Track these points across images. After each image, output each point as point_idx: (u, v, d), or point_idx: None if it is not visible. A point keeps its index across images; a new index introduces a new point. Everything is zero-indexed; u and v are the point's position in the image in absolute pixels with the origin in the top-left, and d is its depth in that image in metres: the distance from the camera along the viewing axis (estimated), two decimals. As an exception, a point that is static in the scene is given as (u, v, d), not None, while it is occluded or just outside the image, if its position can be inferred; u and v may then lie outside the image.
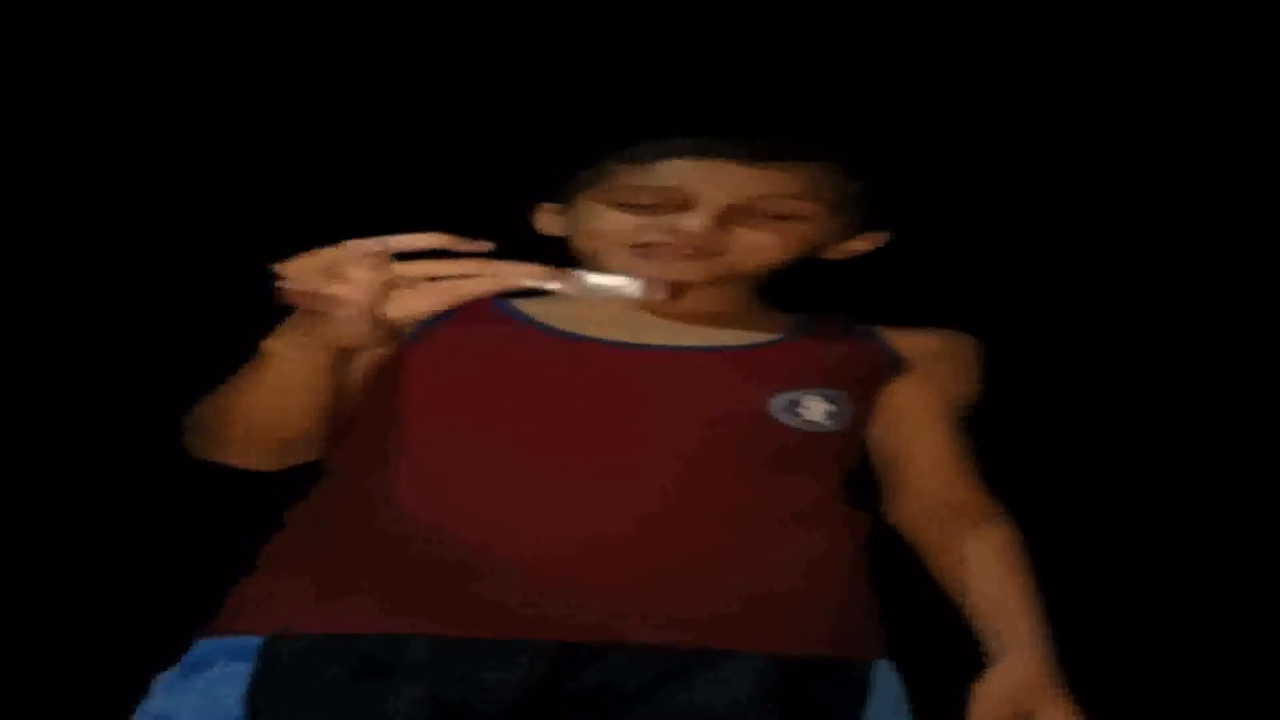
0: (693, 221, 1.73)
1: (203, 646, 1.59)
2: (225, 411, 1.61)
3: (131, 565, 2.15)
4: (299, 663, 1.54)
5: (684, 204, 1.74)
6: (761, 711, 1.56)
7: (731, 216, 1.74)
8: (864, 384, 1.79)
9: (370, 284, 1.44)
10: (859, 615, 1.68)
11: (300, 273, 1.46)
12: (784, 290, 1.85)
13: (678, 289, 1.74)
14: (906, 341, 1.85)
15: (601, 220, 1.77)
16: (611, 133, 1.82)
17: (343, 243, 1.45)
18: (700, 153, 1.75)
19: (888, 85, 2.58)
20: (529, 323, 1.75)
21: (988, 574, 1.76)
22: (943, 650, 1.74)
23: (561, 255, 1.77)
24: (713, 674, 1.57)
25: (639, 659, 1.56)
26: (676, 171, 1.75)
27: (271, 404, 1.58)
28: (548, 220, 1.85)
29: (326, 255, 1.45)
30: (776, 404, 1.70)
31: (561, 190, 1.83)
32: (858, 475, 1.78)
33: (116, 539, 1.93)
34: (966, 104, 2.61)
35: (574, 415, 1.65)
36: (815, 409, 1.72)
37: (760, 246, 1.76)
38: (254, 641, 1.56)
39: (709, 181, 1.74)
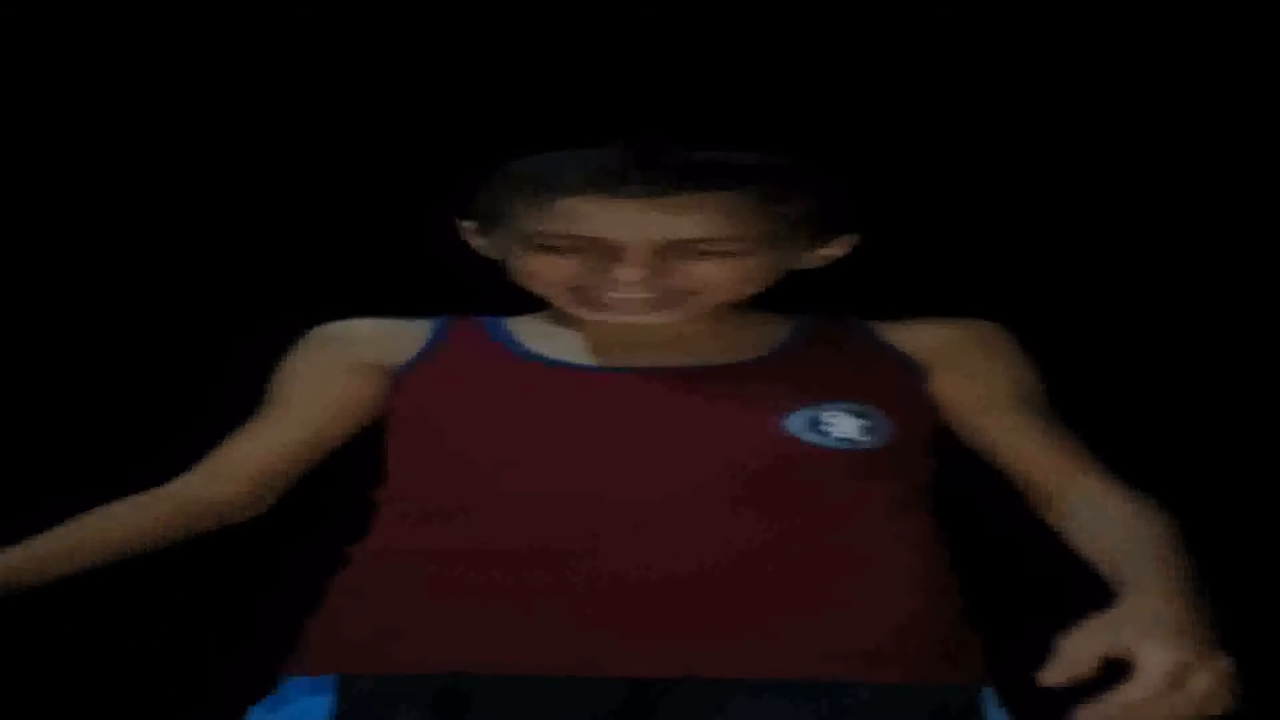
0: (630, 274, 1.64)
1: (287, 683, 1.62)
2: None
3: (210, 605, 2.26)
4: (377, 700, 1.56)
5: (606, 251, 1.64)
6: None
7: (665, 258, 1.64)
8: (893, 393, 1.69)
9: None
10: (953, 637, 1.62)
11: None
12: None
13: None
14: (916, 337, 1.74)
15: (528, 262, 1.68)
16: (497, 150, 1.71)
17: None
18: (593, 190, 1.63)
19: (815, 88, 2.49)
20: (529, 356, 1.72)
21: (1135, 538, 1.53)
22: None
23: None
24: (807, 706, 1.53)
25: (713, 694, 1.54)
26: (581, 216, 1.63)
27: None
28: (473, 239, 1.77)
29: None
30: (793, 422, 1.63)
31: (475, 210, 1.75)
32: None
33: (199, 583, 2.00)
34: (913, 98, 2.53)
35: (600, 449, 1.62)
36: (844, 424, 1.64)
37: (722, 281, 1.66)
38: (331, 678, 1.59)
39: (622, 225, 1.63)
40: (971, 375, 1.71)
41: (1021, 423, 1.69)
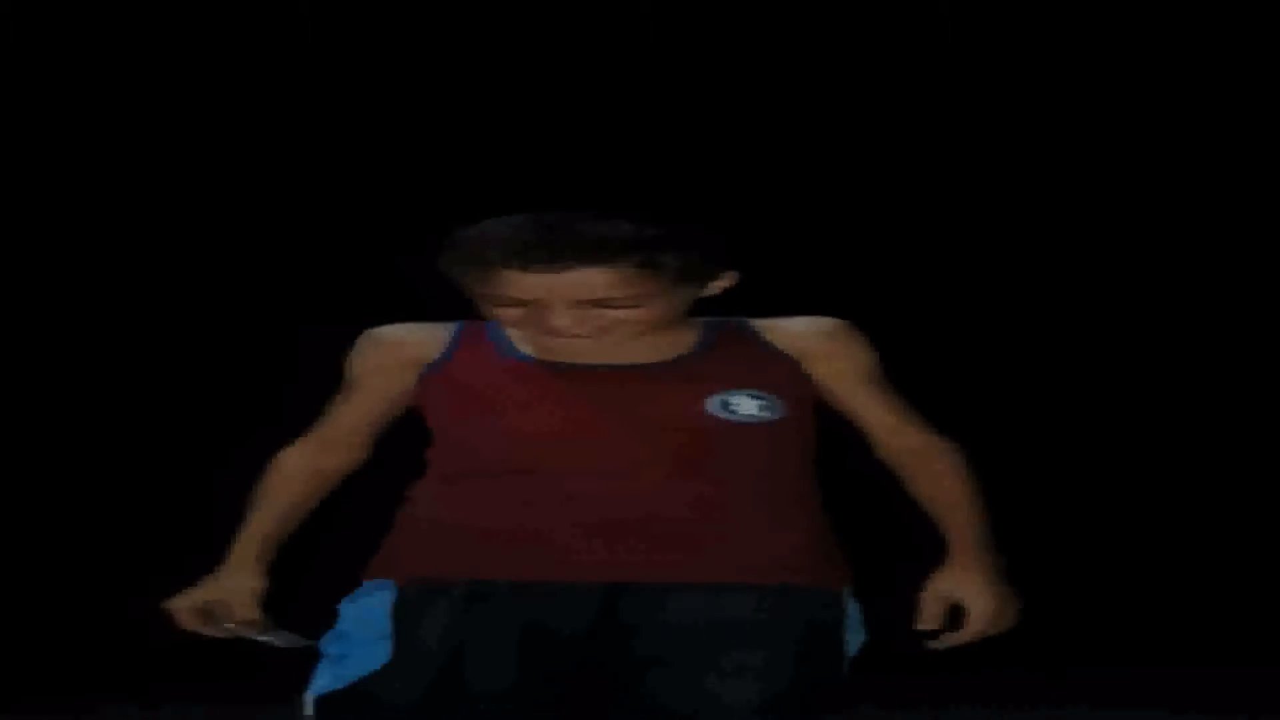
0: (559, 321, 2.13)
1: (365, 584, 2.26)
2: None
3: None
4: (423, 595, 2.19)
5: (539, 304, 2.12)
6: (764, 626, 2.16)
7: (583, 308, 2.11)
8: (781, 381, 2.20)
9: None
10: (827, 555, 2.24)
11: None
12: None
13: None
14: (787, 335, 2.22)
15: (488, 310, 2.17)
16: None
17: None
18: (511, 263, 2.10)
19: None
20: (520, 357, 2.22)
21: (943, 498, 2.21)
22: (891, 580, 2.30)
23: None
24: (723, 600, 2.17)
25: (666, 592, 2.17)
26: (509, 284, 2.11)
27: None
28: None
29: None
30: (711, 404, 2.17)
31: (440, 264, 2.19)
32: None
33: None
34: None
35: (574, 425, 2.17)
36: (747, 405, 2.18)
37: (634, 321, 2.14)
38: (391, 581, 2.23)
39: (540, 290, 2.10)
40: (830, 360, 2.24)
41: (872, 393, 2.27)
